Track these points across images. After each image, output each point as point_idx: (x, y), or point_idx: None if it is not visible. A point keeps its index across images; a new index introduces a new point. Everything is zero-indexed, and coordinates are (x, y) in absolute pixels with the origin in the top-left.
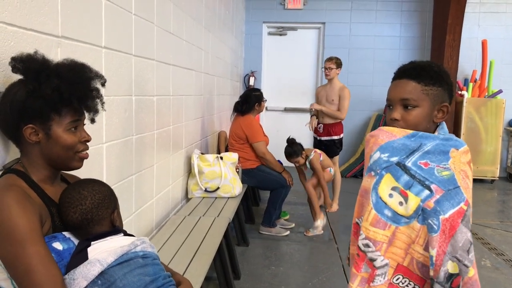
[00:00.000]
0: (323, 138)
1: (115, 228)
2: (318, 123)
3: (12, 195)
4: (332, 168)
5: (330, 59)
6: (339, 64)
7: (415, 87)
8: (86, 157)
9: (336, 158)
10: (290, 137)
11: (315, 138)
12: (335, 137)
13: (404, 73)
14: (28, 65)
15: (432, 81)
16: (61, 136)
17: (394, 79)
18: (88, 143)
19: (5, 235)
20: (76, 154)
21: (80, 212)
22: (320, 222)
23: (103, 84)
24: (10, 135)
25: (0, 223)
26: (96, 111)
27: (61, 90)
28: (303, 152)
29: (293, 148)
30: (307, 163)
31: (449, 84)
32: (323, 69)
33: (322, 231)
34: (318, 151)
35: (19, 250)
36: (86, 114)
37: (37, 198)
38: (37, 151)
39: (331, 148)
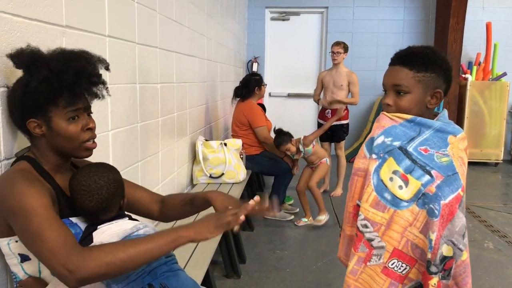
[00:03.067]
0: None
1: (121, 212)
2: (326, 109)
3: (23, 177)
4: (328, 159)
5: (338, 44)
6: (346, 48)
7: (406, 73)
8: (93, 147)
9: (342, 143)
10: (276, 128)
11: (320, 124)
12: (343, 122)
13: (397, 59)
14: (19, 60)
15: (424, 67)
16: (62, 127)
17: (389, 64)
18: (95, 131)
19: (17, 208)
20: (82, 145)
21: (96, 201)
22: (324, 217)
23: (107, 68)
24: (20, 129)
25: (12, 199)
26: (99, 97)
27: (50, 81)
28: (292, 140)
29: (280, 135)
30: (300, 148)
31: (445, 69)
32: (330, 53)
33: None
34: None
35: (31, 215)
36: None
37: (47, 184)
38: (44, 143)
39: (337, 133)
